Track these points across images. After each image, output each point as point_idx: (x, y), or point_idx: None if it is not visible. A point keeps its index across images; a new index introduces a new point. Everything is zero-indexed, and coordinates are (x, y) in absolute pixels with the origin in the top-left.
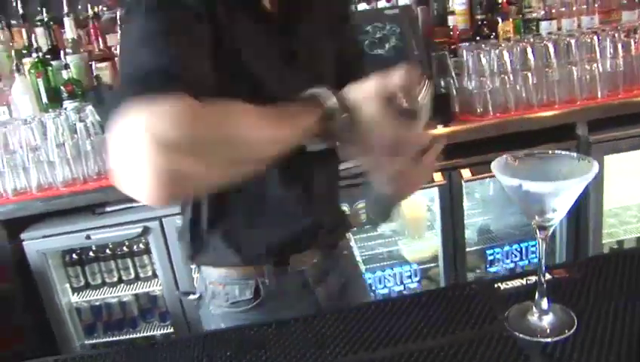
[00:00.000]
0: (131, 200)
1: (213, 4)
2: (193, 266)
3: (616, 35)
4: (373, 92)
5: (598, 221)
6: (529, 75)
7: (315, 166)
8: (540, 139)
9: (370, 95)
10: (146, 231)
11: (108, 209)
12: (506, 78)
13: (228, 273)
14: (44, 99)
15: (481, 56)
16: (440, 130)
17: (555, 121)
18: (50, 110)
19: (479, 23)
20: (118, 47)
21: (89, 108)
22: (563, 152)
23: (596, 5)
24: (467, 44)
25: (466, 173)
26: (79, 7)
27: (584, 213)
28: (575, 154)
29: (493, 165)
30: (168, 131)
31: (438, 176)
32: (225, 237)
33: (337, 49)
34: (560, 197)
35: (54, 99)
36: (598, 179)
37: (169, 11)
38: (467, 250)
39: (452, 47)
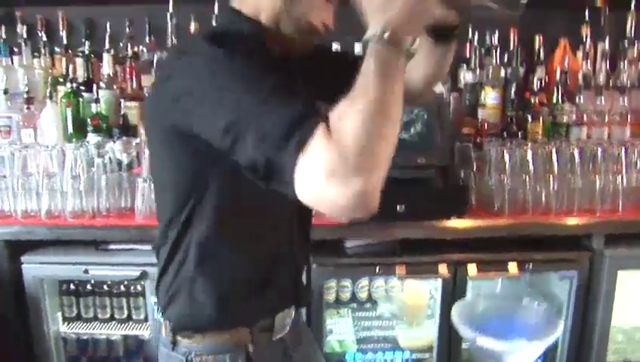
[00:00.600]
0: (134, 241)
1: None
2: (168, 338)
3: None
4: None
5: (605, 337)
6: (551, 179)
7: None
8: (553, 246)
9: None
10: (143, 275)
11: (111, 247)
12: (527, 178)
13: (215, 340)
14: (70, 129)
15: (505, 153)
16: (454, 221)
17: (572, 230)
18: (73, 140)
19: (509, 119)
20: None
21: (109, 144)
22: (535, 304)
23: (629, 118)
24: (493, 139)
25: (472, 269)
26: (121, 44)
27: (590, 326)
28: (544, 308)
29: (455, 309)
30: (339, 164)
31: (443, 268)
32: (211, 288)
33: None
34: (516, 356)
35: (79, 131)
36: (609, 294)
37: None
38: (463, 346)
39: (478, 139)
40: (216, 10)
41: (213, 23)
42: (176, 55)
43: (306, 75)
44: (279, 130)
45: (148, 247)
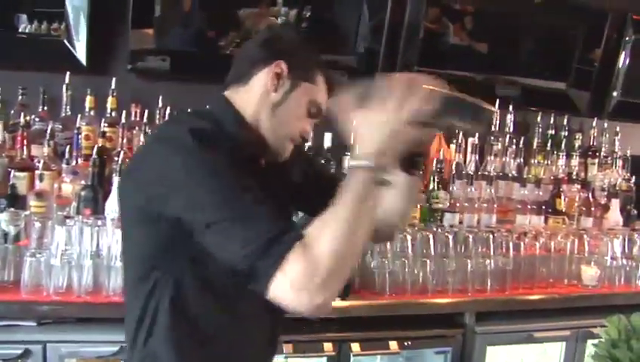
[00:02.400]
0: (17, 317)
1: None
2: None
3: (510, 236)
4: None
5: None
6: (427, 261)
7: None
8: (429, 323)
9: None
10: (26, 353)
11: None
12: (407, 261)
13: None
14: None
15: None
16: (338, 301)
17: (446, 308)
18: None
19: None
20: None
21: None
22: None
23: (495, 205)
24: None
25: (355, 346)
26: (12, 111)
27: None
28: None
29: None
30: (309, 283)
31: (328, 346)
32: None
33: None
34: None
35: None
36: None
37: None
38: None
39: None
40: (113, 85)
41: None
42: (157, 141)
43: (275, 174)
44: (261, 242)
45: (32, 323)
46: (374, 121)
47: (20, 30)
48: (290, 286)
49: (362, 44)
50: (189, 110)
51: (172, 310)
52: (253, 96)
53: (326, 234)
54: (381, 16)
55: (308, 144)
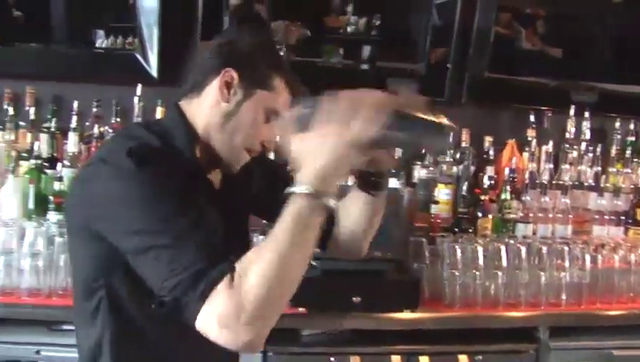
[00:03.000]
0: None
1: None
2: None
3: (586, 248)
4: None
5: None
6: (499, 273)
7: None
8: (502, 338)
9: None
10: None
11: (65, 327)
12: (477, 273)
13: None
14: (31, 205)
15: (457, 248)
16: (407, 314)
17: (519, 322)
18: (33, 217)
19: (460, 215)
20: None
21: None
22: None
23: (570, 216)
24: (445, 234)
25: (424, 360)
26: (87, 123)
27: None
28: None
29: None
30: (235, 322)
31: (396, 359)
32: None
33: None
34: None
35: (40, 208)
36: None
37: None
38: None
39: (431, 234)
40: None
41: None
42: (99, 162)
43: (231, 187)
44: (188, 274)
45: None
46: (314, 145)
47: (96, 45)
48: (217, 322)
49: (431, 52)
50: (140, 122)
51: (117, 327)
52: (205, 107)
53: (256, 269)
54: (450, 23)
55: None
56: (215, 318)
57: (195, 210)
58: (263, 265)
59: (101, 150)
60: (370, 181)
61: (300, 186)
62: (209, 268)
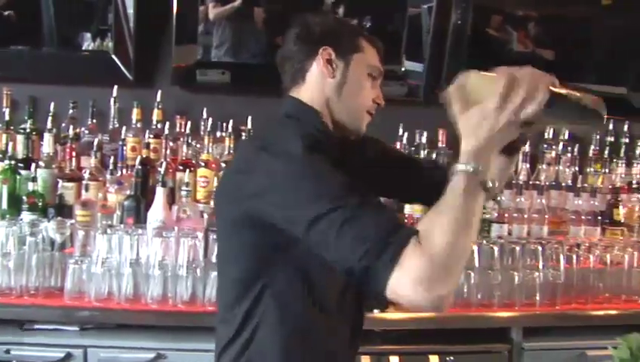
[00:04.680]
0: (61, 322)
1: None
2: None
3: (560, 247)
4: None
5: None
6: (472, 274)
7: None
8: (474, 338)
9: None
10: (68, 357)
11: (36, 326)
12: None
13: None
14: (4, 205)
15: None
16: (377, 315)
17: (491, 322)
18: (7, 217)
19: None
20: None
21: (44, 224)
22: None
23: (546, 216)
24: None
25: (394, 360)
26: (63, 124)
27: None
28: None
29: None
30: (427, 275)
31: (366, 360)
32: None
33: None
34: None
35: (14, 208)
36: None
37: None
38: None
39: None
40: (158, 97)
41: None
42: (255, 151)
43: (355, 160)
44: (376, 239)
45: (75, 328)
46: (476, 121)
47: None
48: (411, 281)
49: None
50: (270, 122)
51: (279, 309)
52: (315, 88)
53: (439, 230)
54: (427, 25)
55: None
56: (409, 278)
57: (359, 186)
58: (444, 226)
59: (252, 145)
60: (510, 147)
61: (465, 165)
62: (393, 235)
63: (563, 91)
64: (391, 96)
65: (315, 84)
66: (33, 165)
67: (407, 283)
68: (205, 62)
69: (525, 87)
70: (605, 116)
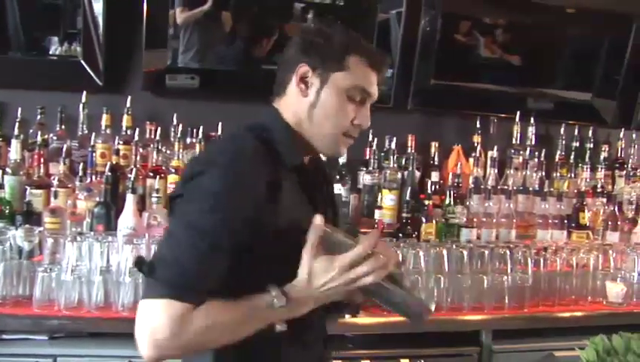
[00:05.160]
0: (29, 331)
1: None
2: None
3: (528, 251)
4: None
5: None
6: (442, 278)
7: None
8: (444, 341)
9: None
10: None
11: (4, 337)
12: (420, 278)
13: None
14: None
15: (399, 253)
16: (348, 320)
17: (461, 326)
18: None
19: (404, 220)
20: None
21: (11, 231)
22: None
23: (514, 220)
24: (389, 239)
25: None
26: (31, 130)
27: None
28: None
29: None
30: (163, 340)
31: None
32: None
33: None
34: None
35: None
36: None
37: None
38: None
39: None
40: (128, 103)
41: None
42: (189, 176)
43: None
44: (171, 271)
45: (44, 338)
46: (319, 271)
47: (49, 52)
48: (148, 326)
49: None
50: (249, 125)
51: None
52: (292, 103)
53: (203, 326)
54: (395, 31)
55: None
56: (148, 320)
57: (215, 238)
58: (210, 327)
59: (195, 163)
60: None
61: (277, 299)
62: (183, 288)
63: (390, 286)
64: None
65: (292, 99)
66: (0, 172)
67: (144, 321)
68: (174, 68)
69: (365, 269)
70: (427, 318)
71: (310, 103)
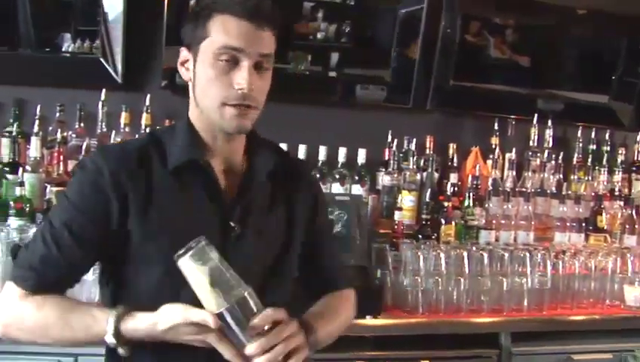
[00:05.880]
0: None
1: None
2: None
3: (547, 254)
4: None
5: None
6: (462, 280)
7: None
8: (464, 343)
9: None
10: None
11: None
12: (440, 279)
13: None
14: None
15: (419, 254)
16: (368, 321)
17: (481, 328)
18: None
19: (424, 222)
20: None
21: (32, 230)
22: None
23: (533, 223)
24: (408, 241)
25: None
26: (50, 128)
27: None
28: None
29: None
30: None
31: None
32: None
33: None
34: None
35: (0, 213)
36: None
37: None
38: None
39: (394, 240)
40: (147, 101)
41: None
42: None
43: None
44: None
45: None
46: (172, 315)
47: (62, 49)
48: None
49: (398, 59)
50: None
51: None
52: (190, 97)
53: (31, 314)
54: (416, 31)
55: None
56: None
57: (66, 220)
58: (38, 321)
59: None
60: None
61: (111, 332)
62: (24, 274)
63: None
64: (377, 102)
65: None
66: (20, 169)
67: None
68: None
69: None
70: None
71: (192, 85)
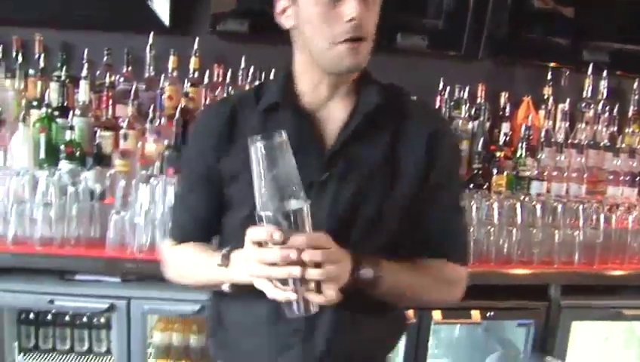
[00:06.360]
0: (103, 273)
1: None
2: None
3: (600, 207)
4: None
5: None
6: (514, 231)
7: None
8: (513, 294)
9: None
10: (111, 308)
11: (78, 277)
12: (492, 229)
13: None
14: (42, 155)
15: (472, 205)
16: None
17: (531, 279)
18: (44, 166)
19: (475, 171)
20: None
21: (84, 174)
22: None
23: (585, 175)
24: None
25: (437, 314)
26: (98, 72)
27: None
28: None
29: None
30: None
31: (410, 313)
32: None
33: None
34: None
35: (51, 157)
36: (563, 342)
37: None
38: None
39: None
40: (195, 45)
41: None
42: None
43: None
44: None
45: (117, 279)
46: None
47: None
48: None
49: (451, 6)
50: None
51: None
52: (294, 45)
53: (176, 258)
54: None
55: None
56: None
57: (187, 184)
58: (187, 265)
59: None
60: None
61: (223, 260)
62: (173, 228)
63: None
64: (428, 50)
65: (292, 40)
66: (70, 113)
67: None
68: (241, 10)
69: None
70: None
71: (297, 29)
